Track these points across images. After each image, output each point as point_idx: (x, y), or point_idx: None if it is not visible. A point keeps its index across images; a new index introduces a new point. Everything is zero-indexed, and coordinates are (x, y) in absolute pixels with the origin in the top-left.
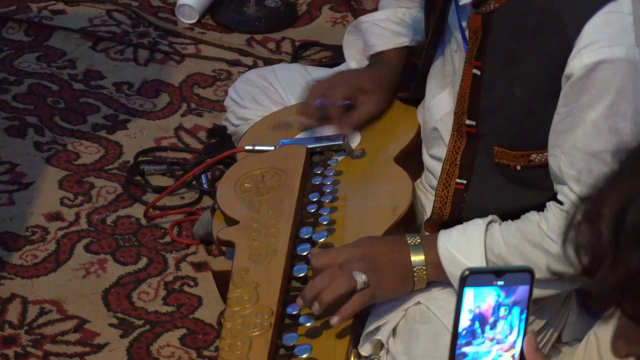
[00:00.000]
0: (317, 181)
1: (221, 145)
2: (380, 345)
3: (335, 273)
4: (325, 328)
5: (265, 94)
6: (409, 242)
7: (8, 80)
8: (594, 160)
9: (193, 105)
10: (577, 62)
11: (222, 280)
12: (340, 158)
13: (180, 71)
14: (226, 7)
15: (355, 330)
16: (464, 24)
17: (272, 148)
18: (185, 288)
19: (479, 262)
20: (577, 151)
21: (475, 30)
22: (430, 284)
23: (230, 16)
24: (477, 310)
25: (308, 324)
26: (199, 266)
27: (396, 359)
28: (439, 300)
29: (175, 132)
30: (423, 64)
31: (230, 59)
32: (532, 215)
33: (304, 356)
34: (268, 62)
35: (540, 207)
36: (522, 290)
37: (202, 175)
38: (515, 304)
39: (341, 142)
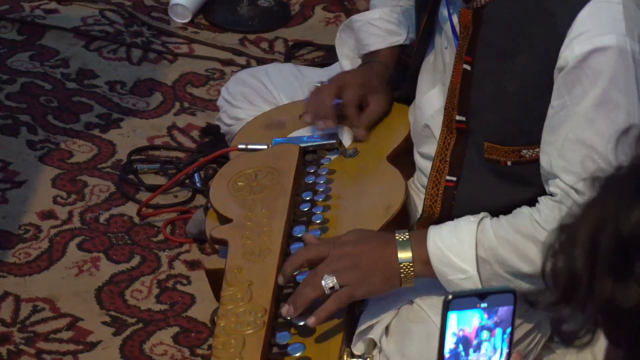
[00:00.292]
0: (310, 180)
1: (214, 144)
2: (373, 344)
3: (308, 279)
4: (319, 327)
5: (258, 93)
6: (397, 238)
7: (1, 79)
8: (586, 151)
9: (186, 105)
10: (569, 53)
11: (215, 279)
12: (333, 157)
13: (173, 70)
14: (219, 6)
15: (348, 329)
16: (455, 19)
17: (265, 147)
18: (179, 286)
19: (469, 261)
20: (569, 142)
21: (466, 25)
22: (423, 284)
23: (223, 16)
24: (460, 334)
25: (301, 323)
26: (192, 264)
27: (389, 358)
28: (432, 299)
29: (169, 131)
30: (414, 61)
31: (223, 59)
32: (524, 209)
33: (297, 355)
34: (261, 61)
35: (531, 203)
36: (505, 311)
37: (195, 174)
38: (498, 325)
39: (334, 141)
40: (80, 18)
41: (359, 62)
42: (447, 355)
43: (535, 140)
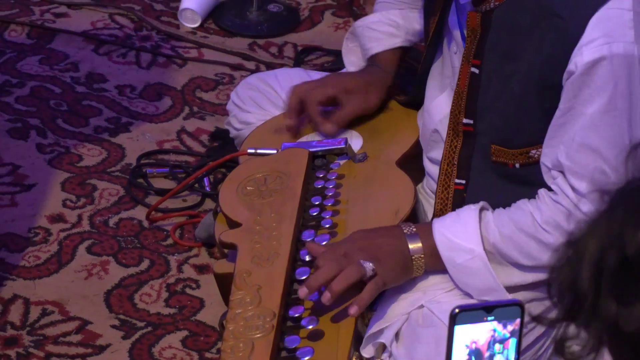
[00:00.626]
0: (319, 184)
1: (223, 149)
2: (382, 348)
3: (342, 262)
4: (328, 330)
5: (267, 98)
6: (405, 231)
7: (11, 83)
8: (590, 155)
9: (195, 109)
10: (579, 59)
11: (224, 283)
12: (342, 162)
13: (182, 75)
14: (228, 11)
15: (357, 332)
16: (464, 23)
17: (275, 151)
18: (187, 290)
19: (474, 241)
20: (575, 144)
21: (473, 29)
22: (434, 286)
23: (232, 20)
24: (473, 346)
25: (310, 327)
26: (201, 268)
27: None
28: (442, 303)
29: (178, 135)
30: (423, 66)
31: (232, 63)
32: (524, 205)
33: (306, 359)
34: (270, 66)
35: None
36: (514, 324)
37: (205, 178)
38: (512, 334)
39: (343, 146)
40: (89, 22)
41: None
42: None
43: (542, 140)
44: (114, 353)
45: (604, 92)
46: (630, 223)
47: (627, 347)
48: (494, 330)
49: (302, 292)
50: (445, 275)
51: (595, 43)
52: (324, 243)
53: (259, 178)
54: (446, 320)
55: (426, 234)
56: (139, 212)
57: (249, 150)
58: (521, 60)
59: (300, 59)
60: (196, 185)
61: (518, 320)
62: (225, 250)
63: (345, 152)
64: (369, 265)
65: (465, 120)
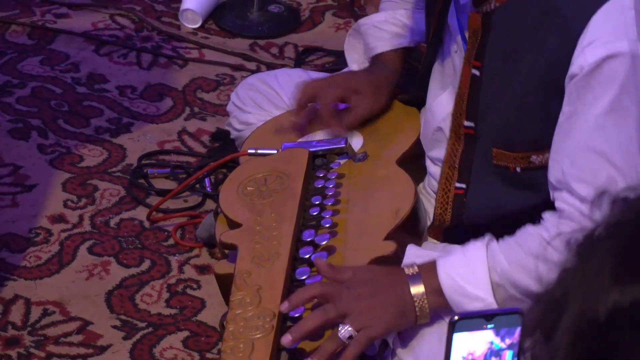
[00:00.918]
0: (319, 184)
1: (224, 149)
2: (384, 345)
3: (329, 314)
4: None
5: (268, 98)
6: (406, 272)
7: (12, 83)
8: (596, 159)
9: (196, 109)
10: (582, 60)
11: (225, 283)
12: (342, 161)
13: (183, 75)
14: (229, 12)
15: None
16: (464, 23)
17: (275, 151)
18: (189, 291)
19: (484, 288)
20: (580, 150)
21: (475, 30)
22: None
23: (233, 21)
24: (469, 358)
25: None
26: (202, 269)
27: (401, 359)
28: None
29: (179, 135)
30: (424, 65)
31: (233, 64)
32: (530, 229)
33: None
34: (271, 67)
35: (540, 209)
36: (513, 332)
37: (206, 179)
38: (509, 347)
39: (343, 146)
40: (90, 23)
41: (367, 66)
42: None
43: (543, 146)
44: (115, 353)
45: (608, 92)
46: (600, 282)
47: None
48: (492, 343)
49: (286, 339)
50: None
51: (598, 42)
52: (324, 243)
53: (259, 178)
54: (447, 317)
55: (429, 274)
56: (140, 213)
57: (250, 151)
58: (523, 61)
59: (301, 60)
60: (197, 185)
61: (516, 334)
62: (226, 251)
63: (345, 152)
64: (345, 334)
65: (466, 123)
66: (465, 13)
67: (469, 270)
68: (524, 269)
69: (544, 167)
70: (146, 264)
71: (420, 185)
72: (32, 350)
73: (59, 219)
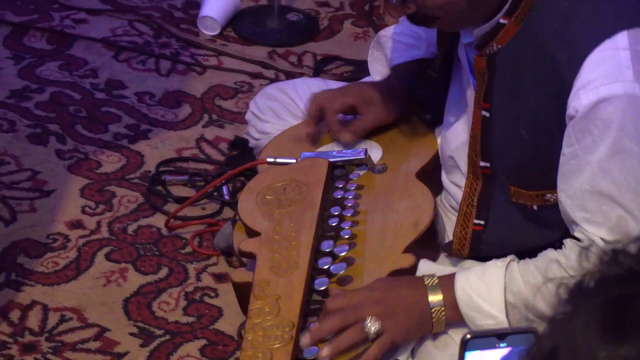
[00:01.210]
0: (338, 195)
1: (242, 157)
2: None
3: (348, 318)
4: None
5: (286, 108)
6: (426, 283)
7: (30, 88)
8: (605, 200)
9: (214, 117)
10: (576, 103)
11: (243, 292)
12: (361, 172)
13: (201, 82)
14: (248, 19)
15: None
16: (472, 59)
17: (294, 161)
18: (206, 299)
19: (498, 307)
20: (585, 193)
21: (481, 72)
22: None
23: (251, 29)
24: None
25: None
26: (220, 277)
27: None
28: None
29: (197, 143)
30: (438, 87)
31: (251, 72)
32: (551, 253)
33: None
34: (290, 75)
35: (558, 243)
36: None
37: (224, 187)
38: None
39: (363, 157)
40: (109, 29)
41: None
42: None
43: (556, 185)
44: None
45: (606, 135)
46: (588, 340)
47: None
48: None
49: (304, 340)
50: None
51: (591, 85)
52: (342, 254)
53: (278, 187)
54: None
55: (448, 287)
56: (158, 220)
57: (268, 159)
58: (527, 103)
59: (319, 68)
60: (215, 193)
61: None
62: (244, 259)
63: (364, 163)
64: (372, 327)
65: (482, 164)
66: (472, 49)
67: (485, 288)
68: (539, 292)
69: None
70: (164, 272)
71: (437, 198)
72: (49, 356)
73: (76, 225)
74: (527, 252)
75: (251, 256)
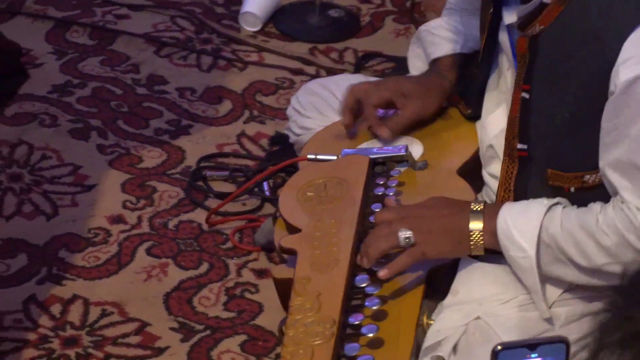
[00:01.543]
0: (379, 191)
1: (283, 153)
2: None
3: (383, 230)
4: (388, 339)
5: (328, 104)
6: (471, 207)
7: (72, 83)
8: None
9: (255, 113)
10: (616, 78)
11: (283, 288)
12: (402, 169)
13: (242, 78)
14: (289, 16)
15: (418, 342)
16: (514, 41)
17: (335, 157)
18: (246, 294)
19: (529, 241)
20: (624, 164)
21: (523, 54)
22: (489, 297)
23: (293, 25)
24: None
25: (370, 335)
26: (260, 273)
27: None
28: (499, 317)
29: (238, 138)
30: (477, 82)
31: (293, 68)
32: (594, 205)
33: None
34: (331, 71)
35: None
36: None
37: (264, 183)
38: None
39: (404, 154)
40: (151, 24)
41: None
42: None
43: (596, 165)
44: (172, 355)
45: None
46: None
47: None
48: None
49: (363, 261)
50: (501, 286)
51: (631, 61)
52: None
53: (319, 184)
54: (503, 334)
55: (492, 215)
56: (199, 215)
57: (309, 156)
58: (570, 83)
59: (360, 65)
60: (255, 189)
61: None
62: (285, 256)
63: (405, 160)
64: (403, 235)
65: (519, 146)
66: (515, 33)
67: (524, 221)
68: (572, 239)
69: (596, 187)
70: (204, 267)
71: (478, 195)
72: (90, 350)
73: (117, 219)
74: None
75: (292, 252)
